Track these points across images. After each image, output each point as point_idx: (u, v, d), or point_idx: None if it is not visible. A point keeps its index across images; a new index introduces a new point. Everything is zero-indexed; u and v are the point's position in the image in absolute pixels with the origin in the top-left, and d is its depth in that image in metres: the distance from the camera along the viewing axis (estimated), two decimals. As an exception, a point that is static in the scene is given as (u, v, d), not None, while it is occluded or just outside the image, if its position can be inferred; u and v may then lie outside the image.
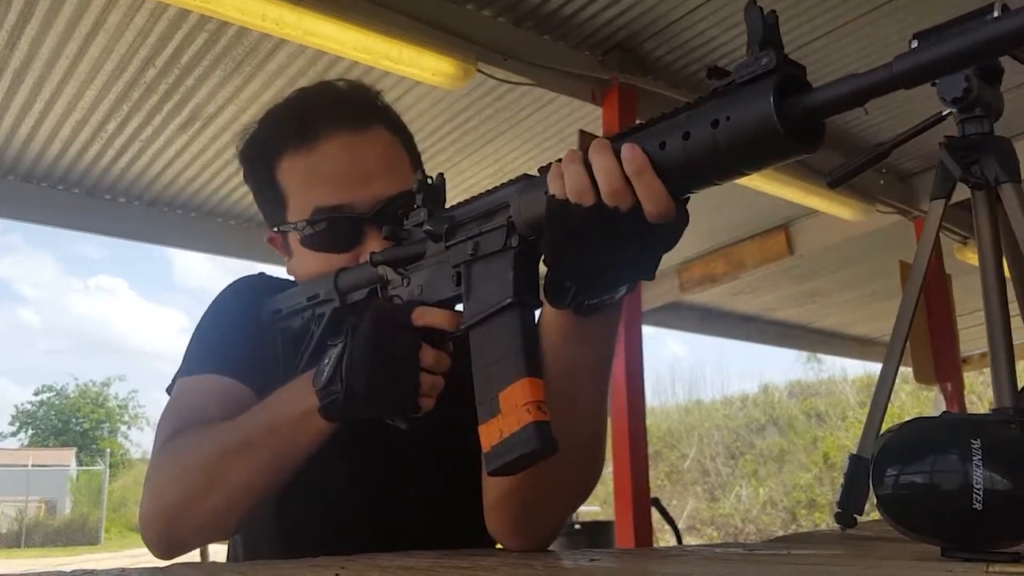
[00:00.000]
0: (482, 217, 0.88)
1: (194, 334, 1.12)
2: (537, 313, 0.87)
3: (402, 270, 0.97)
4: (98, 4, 3.15)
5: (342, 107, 1.13)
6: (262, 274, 1.22)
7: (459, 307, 0.90)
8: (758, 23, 0.67)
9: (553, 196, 0.77)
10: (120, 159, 4.30)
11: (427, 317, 0.90)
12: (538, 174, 0.83)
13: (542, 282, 0.84)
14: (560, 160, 0.78)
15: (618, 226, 0.74)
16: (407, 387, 0.88)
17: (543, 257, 0.81)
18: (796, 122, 0.66)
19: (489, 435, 0.81)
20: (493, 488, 0.98)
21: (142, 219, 4.76)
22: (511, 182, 0.87)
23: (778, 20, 0.67)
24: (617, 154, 0.74)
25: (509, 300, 0.83)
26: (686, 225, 0.76)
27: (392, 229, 0.98)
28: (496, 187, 0.88)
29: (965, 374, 5.25)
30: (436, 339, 0.91)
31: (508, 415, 0.80)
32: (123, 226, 4.78)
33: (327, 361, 0.92)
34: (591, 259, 0.77)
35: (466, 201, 0.91)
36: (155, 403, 41.84)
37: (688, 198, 0.75)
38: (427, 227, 0.93)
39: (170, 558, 0.96)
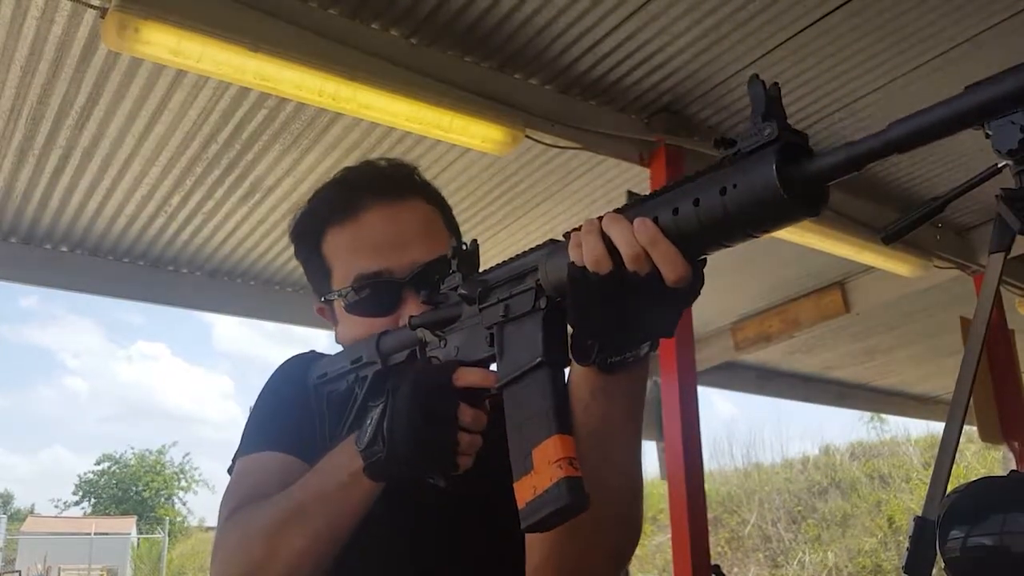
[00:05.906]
0: (512, 280, 0.93)
1: (250, 415, 1.17)
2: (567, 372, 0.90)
3: (439, 332, 1.01)
4: (163, 84, 3.29)
5: (381, 181, 1.20)
6: (312, 351, 1.26)
7: (493, 366, 0.94)
8: (760, 95, 0.72)
9: (573, 263, 0.82)
10: (183, 232, 4.44)
11: (468, 377, 0.93)
12: (563, 239, 0.87)
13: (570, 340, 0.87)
14: (579, 228, 0.83)
15: (637, 290, 0.78)
16: (446, 445, 0.91)
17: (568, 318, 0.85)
18: (798, 188, 0.70)
19: (523, 492, 0.84)
20: (535, 553, 1.00)
21: (203, 288, 4.88)
22: (539, 247, 0.91)
23: (780, 92, 0.72)
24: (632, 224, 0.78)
25: (539, 359, 0.87)
26: (702, 284, 0.80)
27: (429, 293, 1.03)
28: (525, 252, 0.93)
29: (1035, 432, 5.05)
30: (473, 398, 0.93)
31: (541, 472, 0.83)
32: (184, 295, 4.91)
33: (369, 422, 0.95)
34: (612, 320, 0.81)
35: (498, 265, 0.96)
36: (204, 468, 42.16)
37: (705, 259, 0.80)
38: (461, 291, 0.98)
39: None
